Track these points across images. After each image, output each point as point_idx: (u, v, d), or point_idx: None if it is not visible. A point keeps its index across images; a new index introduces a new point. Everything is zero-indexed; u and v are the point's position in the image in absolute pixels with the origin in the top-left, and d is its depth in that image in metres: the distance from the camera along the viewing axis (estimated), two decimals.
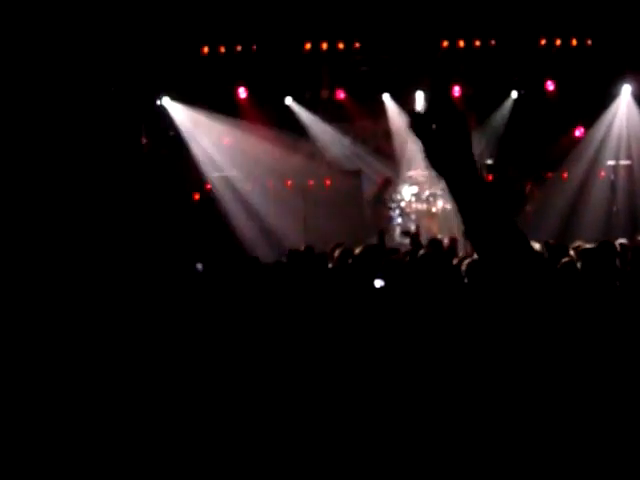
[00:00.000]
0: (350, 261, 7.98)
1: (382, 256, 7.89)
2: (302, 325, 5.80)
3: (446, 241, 10.29)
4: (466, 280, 5.52)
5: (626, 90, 15.65)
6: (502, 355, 4.14)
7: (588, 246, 7.07)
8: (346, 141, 16.16)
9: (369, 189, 16.15)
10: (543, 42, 15.04)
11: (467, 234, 1.70)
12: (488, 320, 4.54)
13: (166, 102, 15.48)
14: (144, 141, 15.09)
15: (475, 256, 7.55)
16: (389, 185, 15.73)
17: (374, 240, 10.95)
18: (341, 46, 15.07)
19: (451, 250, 9.20)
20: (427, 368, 4.64)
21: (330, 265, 7.84)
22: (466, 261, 5.72)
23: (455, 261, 7.88)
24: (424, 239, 10.66)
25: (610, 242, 7.41)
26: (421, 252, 7.16)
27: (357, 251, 8.40)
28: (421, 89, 14.67)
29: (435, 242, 9.15)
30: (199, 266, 9.17)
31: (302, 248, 9.09)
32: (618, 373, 3.39)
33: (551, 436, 2.61)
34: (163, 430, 4.81)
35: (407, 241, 9.45)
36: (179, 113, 15.55)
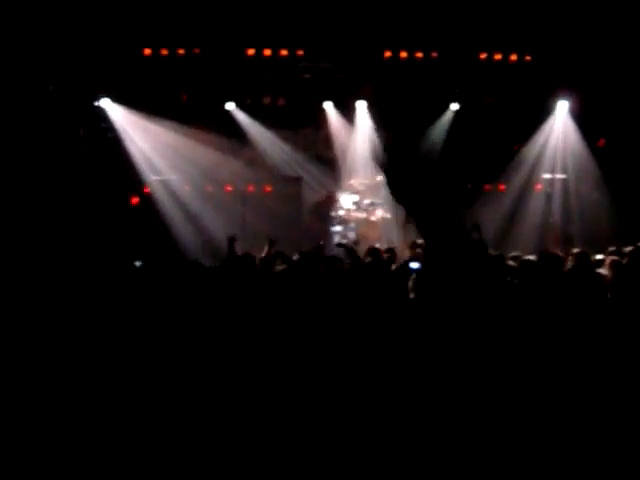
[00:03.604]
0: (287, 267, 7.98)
1: (319, 264, 7.88)
2: (239, 328, 5.76)
3: (384, 250, 10.29)
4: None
5: (562, 106, 15.95)
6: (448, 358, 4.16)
7: (530, 257, 7.19)
8: (287, 148, 16.14)
9: (311, 198, 16.17)
10: (483, 56, 15.24)
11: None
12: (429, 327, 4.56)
13: (105, 103, 15.25)
14: (81, 142, 14.84)
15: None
16: (332, 202, 15.77)
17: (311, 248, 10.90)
18: (284, 53, 15.04)
19: (390, 260, 9.20)
20: (364, 373, 4.64)
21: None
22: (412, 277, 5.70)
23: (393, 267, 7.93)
24: (362, 247, 10.65)
25: (552, 254, 7.51)
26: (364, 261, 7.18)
27: (294, 258, 8.41)
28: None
29: (374, 251, 9.16)
30: (137, 263, 9.07)
31: (240, 253, 9.03)
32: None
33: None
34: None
35: (342, 251, 9.45)
36: (118, 115, 15.33)
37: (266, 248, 8.94)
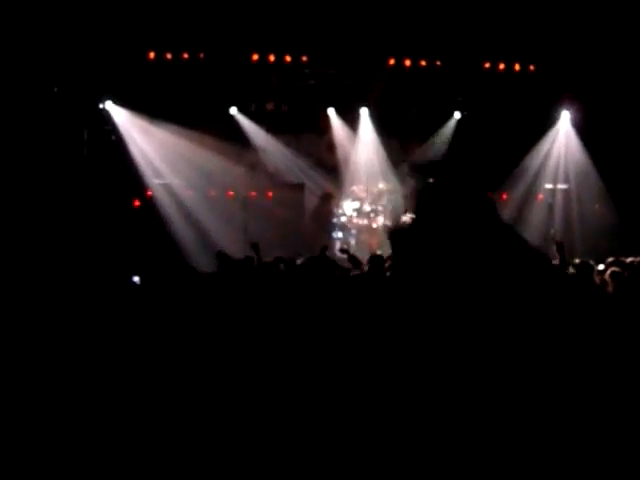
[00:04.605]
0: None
1: (325, 269, 7.85)
2: (240, 335, 5.76)
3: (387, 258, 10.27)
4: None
5: (565, 116, 16.00)
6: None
7: None
8: (289, 153, 16.14)
9: (311, 204, 16.17)
10: (487, 65, 15.28)
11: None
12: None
13: (109, 106, 15.26)
14: (85, 144, 14.85)
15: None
16: (329, 200, 15.80)
17: (314, 253, 10.88)
18: (288, 59, 15.06)
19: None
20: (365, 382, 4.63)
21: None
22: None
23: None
24: (365, 254, 10.65)
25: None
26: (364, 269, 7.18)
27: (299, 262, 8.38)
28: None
29: (376, 258, 9.14)
30: (136, 279, 9.01)
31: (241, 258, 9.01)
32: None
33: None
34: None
35: (345, 257, 9.45)
36: (122, 117, 15.32)
37: (254, 253, 8.73)
